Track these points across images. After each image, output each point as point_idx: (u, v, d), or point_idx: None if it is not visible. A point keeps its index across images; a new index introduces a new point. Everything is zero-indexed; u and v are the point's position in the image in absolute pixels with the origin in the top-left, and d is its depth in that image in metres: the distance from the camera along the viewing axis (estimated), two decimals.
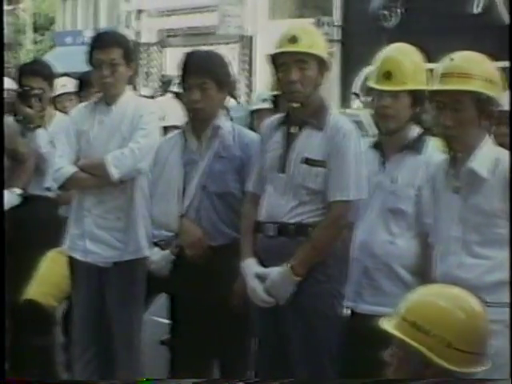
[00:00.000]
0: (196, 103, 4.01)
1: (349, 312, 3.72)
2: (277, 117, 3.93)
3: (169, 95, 8.23)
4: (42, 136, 5.14)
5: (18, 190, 5.05)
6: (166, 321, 4.34)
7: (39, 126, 5.17)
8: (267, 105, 5.17)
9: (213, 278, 3.92)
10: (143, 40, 26.33)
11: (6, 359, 5.05)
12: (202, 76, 3.98)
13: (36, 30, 31.82)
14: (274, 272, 3.70)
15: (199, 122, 4.08)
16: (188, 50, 4.23)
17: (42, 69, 5.37)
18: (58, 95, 5.76)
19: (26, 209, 5.05)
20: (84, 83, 5.34)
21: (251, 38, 23.65)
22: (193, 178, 4.05)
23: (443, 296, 2.46)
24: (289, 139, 3.79)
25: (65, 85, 5.92)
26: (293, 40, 3.73)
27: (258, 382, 3.64)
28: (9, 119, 5.20)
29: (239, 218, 3.92)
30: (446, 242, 3.25)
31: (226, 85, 4.07)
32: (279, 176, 3.76)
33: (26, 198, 5.06)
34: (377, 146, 3.76)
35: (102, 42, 4.34)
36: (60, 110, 5.47)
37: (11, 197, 5.02)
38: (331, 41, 19.64)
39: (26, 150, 5.09)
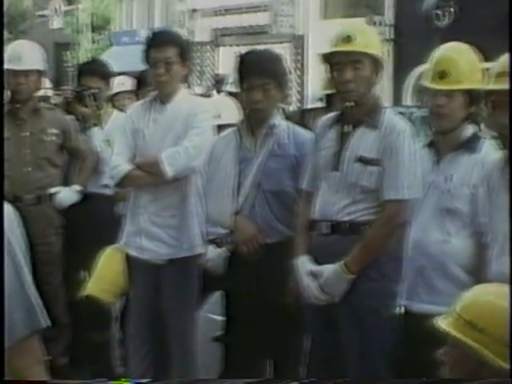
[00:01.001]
0: (258, 103, 4.01)
1: (402, 311, 3.72)
2: (331, 115, 3.92)
3: (222, 94, 8.25)
4: (97, 134, 5.21)
5: (78, 187, 5.12)
6: (220, 317, 4.37)
7: (95, 125, 5.24)
8: (322, 104, 5.17)
9: (267, 276, 3.94)
10: (197, 39, 26.44)
11: (65, 355, 5.13)
12: (265, 77, 3.98)
13: (94, 29, 32.11)
14: (328, 269, 3.70)
15: (256, 121, 4.10)
16: (241, 49, 4.25)
17: (100, 68, 5.45)
18: (116, 94, 5.82)
19: (85, 206, 5.12)
20: (142, 82, 5.38)
21: (303, 37, 23.60)
22: (247, 176, 4.06)
23: (500, 295, 2.44)
24: (343, 138, 3.78)
25: (122, 83, 5.98)
26: (347, 39, 3.72)
27: (312, 381, 3.64)
28: (70, 117, 5.28)
29: (293, 216, 3.92)
30: (502, 241, 3.22)
31: (284, 84, 4.08)
32: (333, 174, 3.76)
33: (85, 195, 5.14)
34: (431, 144, 3.75)
35: (158, 40, 4.37)
36: (118, 108, 5.53)
37: (71, 194, 5.10)
38: (384, 40, 19.51)
39: (86, 148, 5.17)
